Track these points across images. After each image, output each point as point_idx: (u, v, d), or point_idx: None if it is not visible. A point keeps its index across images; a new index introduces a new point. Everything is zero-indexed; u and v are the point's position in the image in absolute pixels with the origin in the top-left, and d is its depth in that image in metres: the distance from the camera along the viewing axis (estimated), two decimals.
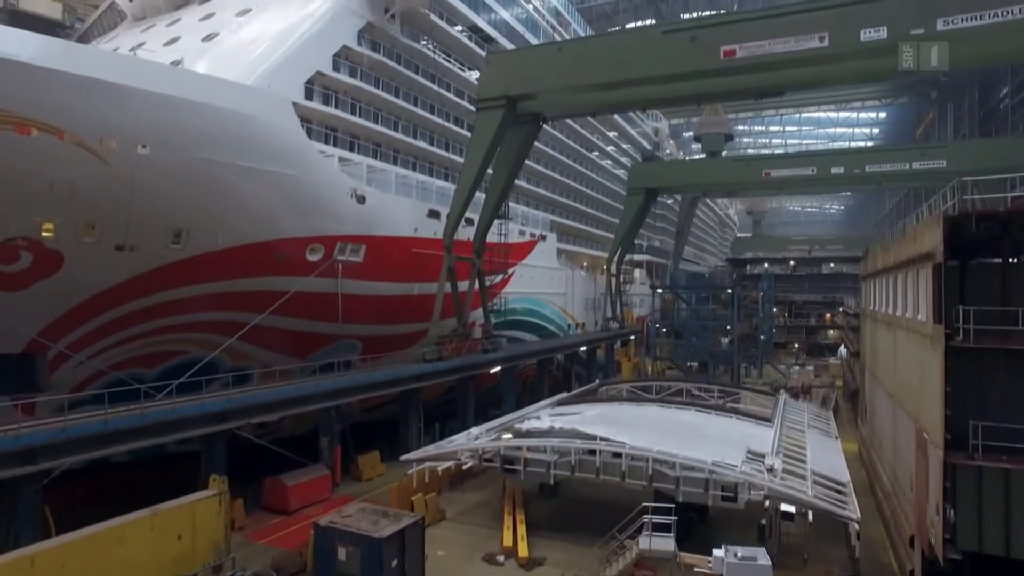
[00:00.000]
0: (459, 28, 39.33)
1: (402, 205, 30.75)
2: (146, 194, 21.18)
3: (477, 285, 32.18)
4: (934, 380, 12.58)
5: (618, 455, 18.10)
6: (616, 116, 66.85)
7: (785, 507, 17.00)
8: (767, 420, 23.81)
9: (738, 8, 78.93)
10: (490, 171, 32.86)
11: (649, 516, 16.06)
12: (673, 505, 16.32)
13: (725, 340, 32.71)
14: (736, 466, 17.35)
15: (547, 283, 45.80)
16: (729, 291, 32.11)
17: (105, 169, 20.15)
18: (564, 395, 30.55)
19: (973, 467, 11.78)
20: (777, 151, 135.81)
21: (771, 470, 17.44)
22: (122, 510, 14.57)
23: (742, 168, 46.46)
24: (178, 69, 22.27)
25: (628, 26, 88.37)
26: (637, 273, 65.89)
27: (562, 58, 29.02)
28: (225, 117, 22.10)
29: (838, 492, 17.63)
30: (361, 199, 27.74)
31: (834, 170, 44.71)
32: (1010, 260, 14.20)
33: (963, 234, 12.19)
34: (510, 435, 21.42)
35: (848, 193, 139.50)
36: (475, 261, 31.39)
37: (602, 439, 18.99)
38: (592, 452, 18.49)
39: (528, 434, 21.06)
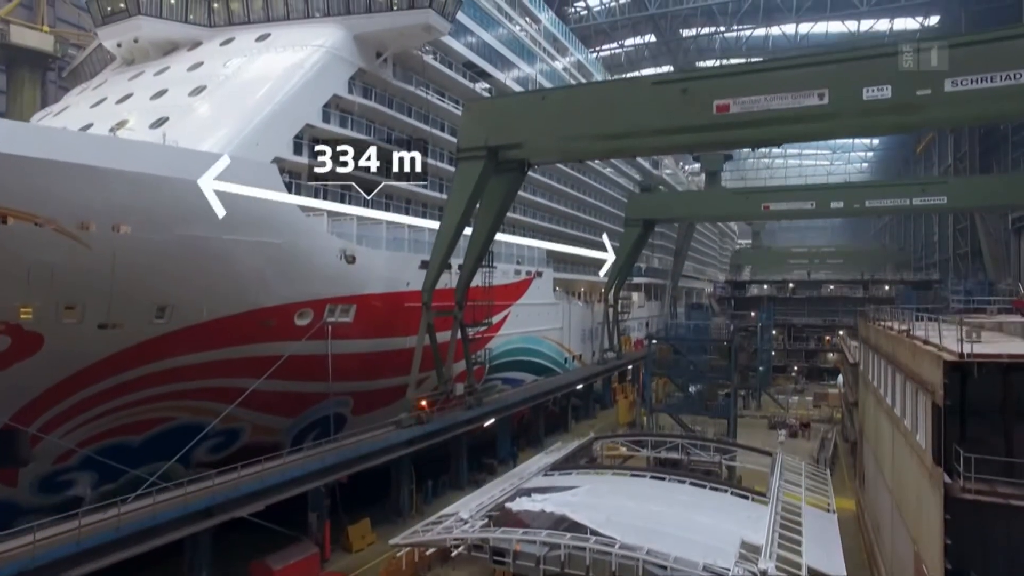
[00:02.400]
0: (452, 64, 38.80)
1: (394, 260, 30.24)
2: (128, 273, 20.72)
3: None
4: (933, 523, 12.14)
5: (608, 551, 17.62)
6: None
7: None
8: (762, 496, 23.30)
9: (737, 29, 78.52)
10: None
11: None
12: None
13: (722, 393, 32.28)
14: (728, 569, 16.87)
15: (543, 319, 45.31)
16: (726, 343, 31.63)
17: (85, 252, 19.70)
18: (559, 451, 29.94)
19: None
20: (777, 161, 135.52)
21: (764, 575, 16.98)
22: None
23: (741, 201, 46.02)
24: (158, 146, 21.69)
25: (627, 42, 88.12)
26: (635, 297, 65.45)
27: (545, 108, 27.89)
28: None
29: None
30: (351, 259, 27.27)
31: (833, 204, 44.21)
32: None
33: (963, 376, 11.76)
34: (499, 512, 21.04)
35: None
36: (457, 314, 30.40)
37: (592, 531, 18.51)
38: (582, 547, 18.02)
39: (518, 517, 20.60)
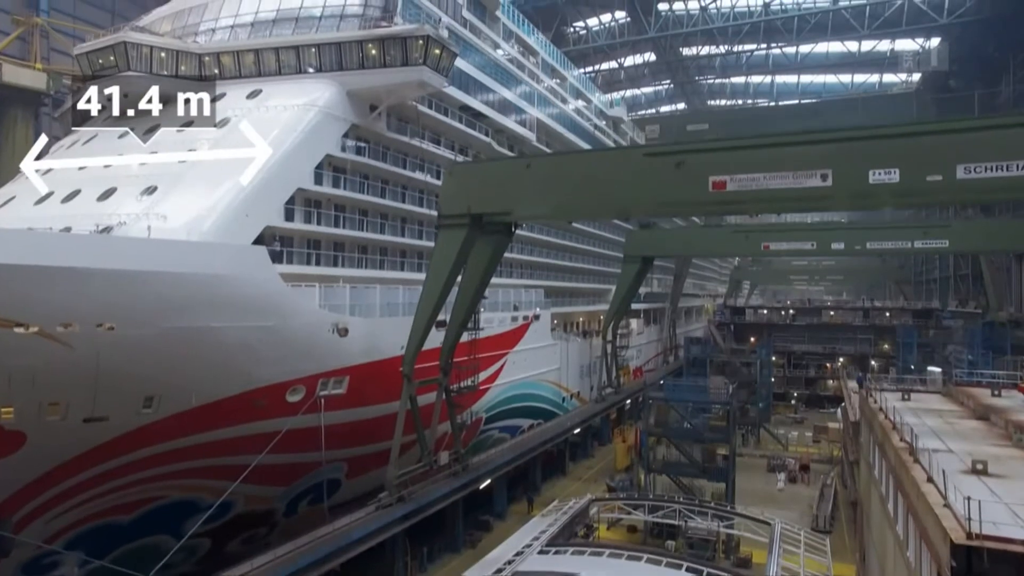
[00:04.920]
0: (448, 110, 38.17)
1: (387, 327, 29.62)
2: (114, 368, 20.29)
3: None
4: None
5: None
6: None
7: None
8: None
9: (737, 51, 77.85)
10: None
11: None
12: None
13: (721, 454, 31.92)
14: None
15: (541, 362, 44.84)
16: (726, 405, 31.28)
17: (68, 352, 19.24)
18: (556, 515, 29.53)
19: None
20: None
21: None
22: None
23: (741, 239, 45.58)
24: (141, 240, 21.15)
25: (626, 62, 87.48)
26: (634, 324, 64.90)
27: (531, 175, 26.40)
28: (196, 282, 21.13)
29: None
30: (343, 332, 26.79)
31: (834, 245, 43.79)
32: None
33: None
34: None
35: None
36: (442, 381, 29.29)
37: None
38: None
39: None
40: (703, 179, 23.08)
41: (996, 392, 24.74)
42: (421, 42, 30.21)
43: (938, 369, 42.52)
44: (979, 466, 15.22)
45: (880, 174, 21.10)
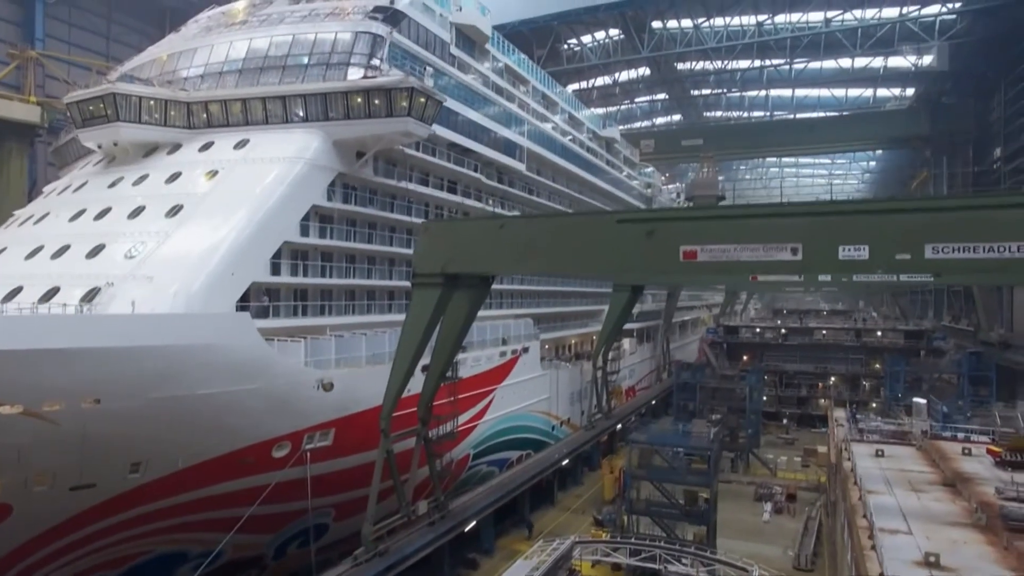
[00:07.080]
0: (436, 150, 38.50)
1: (373, 376, 29.88)
2: (100, 439, 20.82)
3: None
4: None
5: None
6: (600, 182, 66.27)
7: None
8: None
9: (732, 68, 78.13)
10: None
11: None
12: None
13: (703, 497, 32.42)
14: None
15: (530, 394, 45.22)
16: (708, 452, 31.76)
17: (55, 428, 19.76)
18: (541, 556, 30.06)
19: None
20: (772, 170, 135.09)
21: None
22: None
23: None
24: (125, 316, 21.52)
25: (620, 77, 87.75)
26: (627, 343, 65.35)
27: (504, 236, 26.27)
28: (180, 353, 21.61)
29: None
30: (329, 387, 27.23)
31: (821, 277, 43.95)
32: None
33: None
34: None
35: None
36: (421, 431, 29.08)
37: None
38: None
39: None
40: (674, 248, 22.99)
41: (966, 450, 25.18)
42: (406, 93, 30.59)
43: (923, 400, 42.99)
44: (932, 559, 15.70)
45: (850, 250, 21.37)
